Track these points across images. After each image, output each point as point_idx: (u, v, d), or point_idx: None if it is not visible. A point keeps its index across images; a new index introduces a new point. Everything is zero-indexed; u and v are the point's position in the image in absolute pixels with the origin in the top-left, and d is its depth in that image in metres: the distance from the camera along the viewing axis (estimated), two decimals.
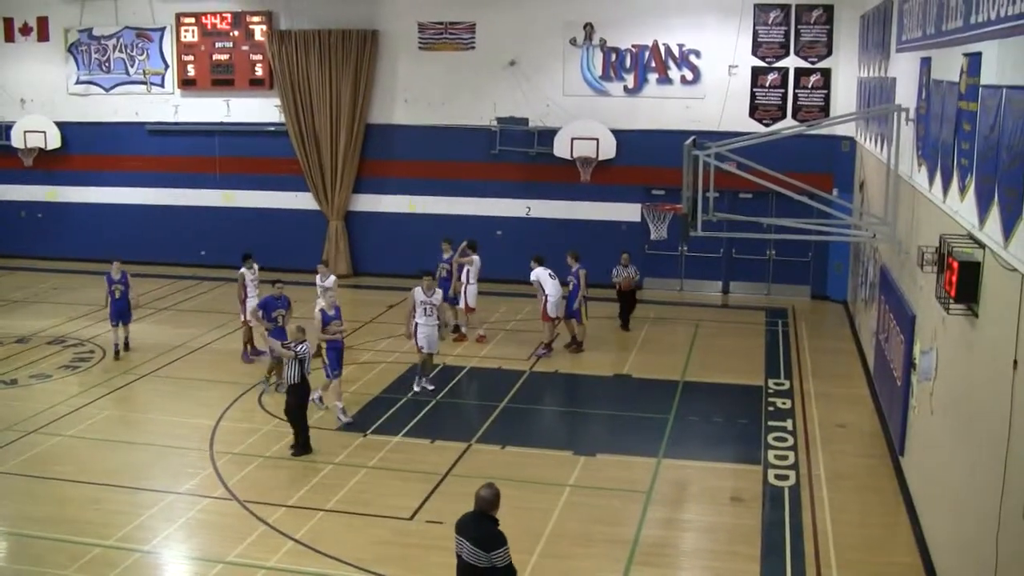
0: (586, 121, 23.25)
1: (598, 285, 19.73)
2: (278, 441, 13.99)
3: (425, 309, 16.03)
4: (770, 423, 14.95)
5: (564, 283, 18.22)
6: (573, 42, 23.44)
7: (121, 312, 18.12)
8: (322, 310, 15.33)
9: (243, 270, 18.17)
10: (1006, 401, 7.55)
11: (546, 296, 18.02)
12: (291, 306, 16.34)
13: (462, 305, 19.23)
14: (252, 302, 17.68)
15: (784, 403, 15.87)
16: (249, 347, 18.03)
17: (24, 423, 14.74)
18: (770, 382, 16.93)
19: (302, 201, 25.41)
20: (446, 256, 19.52)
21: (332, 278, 17.82)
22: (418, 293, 16.10)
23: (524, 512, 11.29)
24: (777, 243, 22.46)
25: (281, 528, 11.46)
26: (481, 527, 7.93)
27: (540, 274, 18.13)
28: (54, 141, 26.39)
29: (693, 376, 17.30)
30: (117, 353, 18.03)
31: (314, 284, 18.18)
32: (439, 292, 16.50)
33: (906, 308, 12.57)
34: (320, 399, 15.27)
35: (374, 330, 19.96)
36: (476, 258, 19.14)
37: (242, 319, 18.05)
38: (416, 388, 16.18)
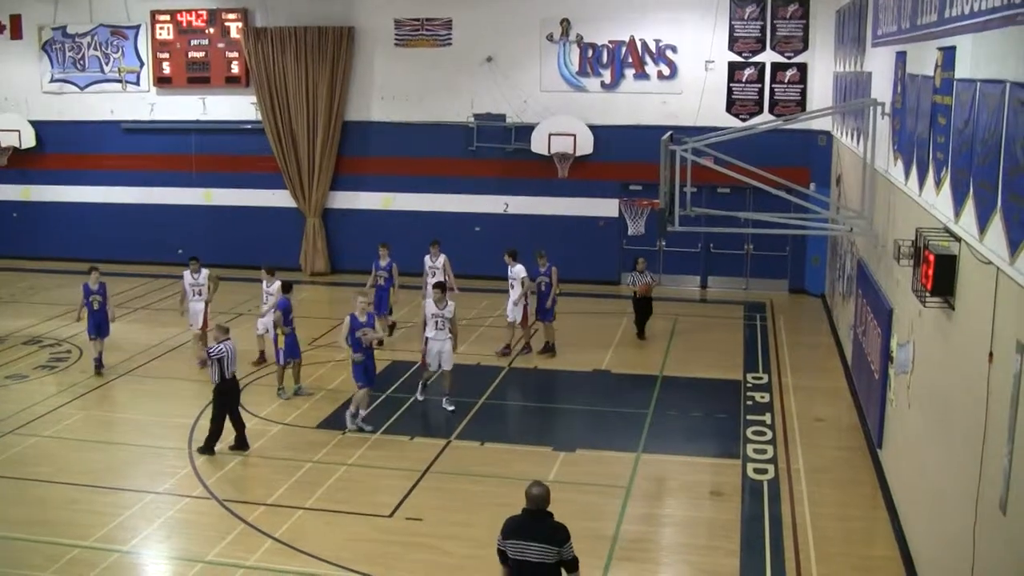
0: (563, 117, 23.24)
1: (568, 281, 19.64)
2: (257, 440, 13.94)
3: (436, 322, 15.12)
4: (749, 417, 15.02)
5: (532, 280, 17.96)
6: (550, 38, 23.42)
7: (99, 325, 17.16)
8: (352, 316, 14.33)
9: (185, 272, 17.81)
10: (982, 393, 7.60)
11: (525, 302, 17.89)
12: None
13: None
14: (194, 305, 17.54)
15: (763, 397, 15.94)
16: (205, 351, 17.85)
17: (0, 424, 14.61)
18: (748, 376, 16.99)
19: (279, 199, 25.26)
20: (383, 263, 18.75)
21: (277, 284, 16.82)
22: (429, 306, 15.30)
23: (503, 509, 11.13)
24: (755, 237, 22.57)
25: (260, 527, 11.42)
26: (545, 523, 7.90)
27: (524, 274, 17.84)
28: (28, 140, 26.16)
29: (672, 371, 17.35)
30: (96, 361, 17.21)
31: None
32: (451, 304, 15.26)
33: (883, 301, 12.64)
34: (356, 416, 14.52)
35: None
36: (444, 256, 18.93)
37: (189, 325, 17.87)
38: (421, 397, 15.63)
